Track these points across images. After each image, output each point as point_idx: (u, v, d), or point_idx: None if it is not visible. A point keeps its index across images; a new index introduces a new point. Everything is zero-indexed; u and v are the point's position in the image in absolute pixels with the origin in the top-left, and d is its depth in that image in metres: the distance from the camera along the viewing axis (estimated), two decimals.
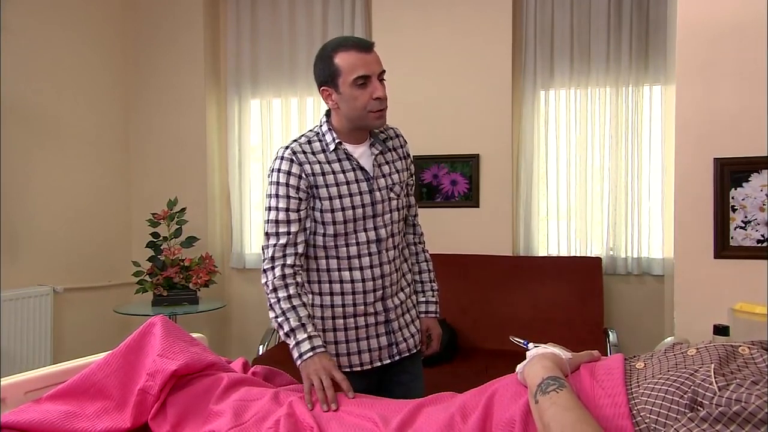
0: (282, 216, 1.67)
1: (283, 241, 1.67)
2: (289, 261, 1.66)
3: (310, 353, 1.57)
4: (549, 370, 1.13)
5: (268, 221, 1.69)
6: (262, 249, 1.71)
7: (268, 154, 4.04)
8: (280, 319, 1.62)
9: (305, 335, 1.60)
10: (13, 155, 3.32)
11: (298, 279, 1.67)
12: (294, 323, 1.61)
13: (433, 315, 1.96)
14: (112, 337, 3.36)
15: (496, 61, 3.62)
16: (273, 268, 1.66)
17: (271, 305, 1.65)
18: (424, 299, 1.96)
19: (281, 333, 1.63)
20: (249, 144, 4.14)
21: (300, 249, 1.69)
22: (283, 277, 1.65)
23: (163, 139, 4.11)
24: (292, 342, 1.61)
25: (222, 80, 4.18)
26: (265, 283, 1.67)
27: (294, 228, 1.68)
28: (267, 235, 1.69)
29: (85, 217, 3.79)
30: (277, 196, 1.68)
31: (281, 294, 1.64)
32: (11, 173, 3.32)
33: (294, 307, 1.62)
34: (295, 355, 1.60)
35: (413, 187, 1.94)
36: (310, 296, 1.76)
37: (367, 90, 1.65)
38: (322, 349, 1.60)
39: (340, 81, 1.65)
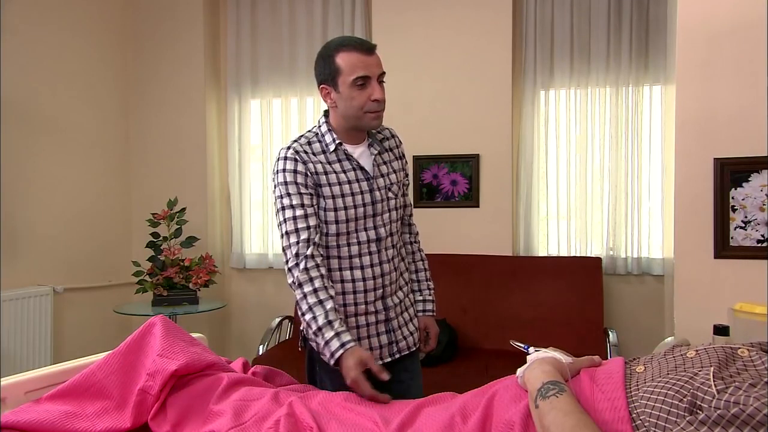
0: (299, 212, 1.66)
1: (304, 236, 1.66)
2: (310, 252, 1.65)
3: (341, 351, 1.56)
4: (549, 375, 1.13)
5: (285, 221, 1.67)
6: (284, 250, 1.69)
7: (268, 154, 4.04)
8: (307, 317, 1.61)
9: (332, 332, 1.58)
10: (13, 155, 3.32)
11: (322, 270, 1.65)
12: (321, 321, 1.59)
13: (431, 313, 1.96)
14: (112, 337, 3.36)
15: (496, 61, 3.62)
16: (297, 264, 1.64)
17: (298, 302, 1.64)
18: (421, 298, 1.96)
19: (310, 332, 1.62)
20: (249, 144, 4.14)
21: (318, 240, 1.68)
22: (307, 269, 1.63)
23: (163, 139, 4.11)
24: (321, 342, 1.59)
25: (222, 80, 4.18)
26: (292, 282, 1.65)
27: (312, 222, 1.67)
28: (287, 234, 1.67)
29: (85, 217, 3.79)
30: (288, 194, 1.67)
31: (307, 288, 1.62)
32: (11, 173, 3.32)
33: (321, 302, 1.61)
34: (327, 355, 1.58)
35: (408, 187, 1.95)
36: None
37: (365, 91, 1.66)
38: (352, 344, 1.58)
39: (340, 80, 1.66)
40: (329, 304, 1.61)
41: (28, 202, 3.43)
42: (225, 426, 1.38)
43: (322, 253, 1.69)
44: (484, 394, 1.28)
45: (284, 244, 1.69)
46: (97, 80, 3.90)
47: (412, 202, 2.02)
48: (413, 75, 3.71)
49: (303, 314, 1.62)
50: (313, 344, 1.65)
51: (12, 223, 3.32)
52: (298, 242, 1.65)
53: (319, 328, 1.59)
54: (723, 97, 2.29)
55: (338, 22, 3.92)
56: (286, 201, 1.68)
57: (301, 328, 1.72)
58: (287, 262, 1.67)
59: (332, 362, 1.57)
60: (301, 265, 1.63)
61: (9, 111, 3.29)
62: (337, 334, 1.58)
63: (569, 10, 3.60)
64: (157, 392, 1.48)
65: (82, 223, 3.77)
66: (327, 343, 1.58)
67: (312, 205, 1.68)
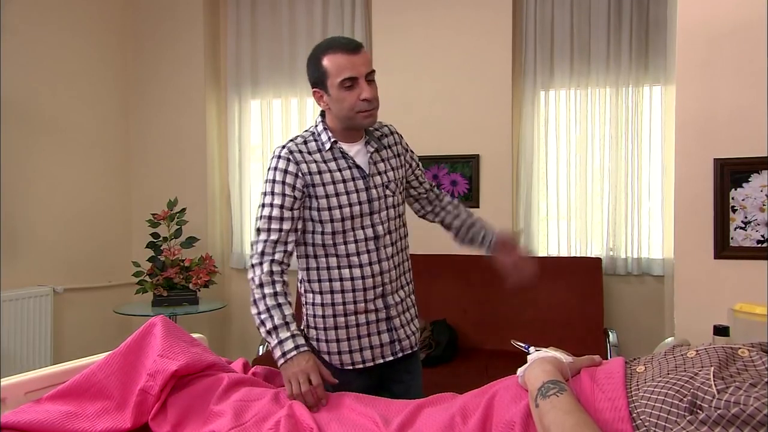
0: (276, 213, 1.68)
1: (274, 237, 1.68)
2: (278, 257, 1.67)
3: (294, 352, 1.58)
4: (550, 374, 1.14)
5: (261, 217, 1.70)
6: (252, 244, 1.72)
7: (268, 154, 4.00)
8: (263, 316, 1.63)
9: (288, 334, 1.60)
10: (13, 155, 3.32)
11: (285, 278, 1.68)
12: (278, 321, 1.61)
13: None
14: (112, 338, 3.36)
15: (496, 61, 3.62)
16: (261, 263, 1.67)
17: (255, 301, 1.66)
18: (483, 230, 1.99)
19: (262, 330, 1.63)
20: (249, 144, 4.14)
21: (290, 248, 1.70)
22: (271, 273, 1.65)
23: (163, 139, 4.11)
24: (274, 340, 1.60)
25: (222, 80, 4.18)
26: (252, 278, 1.68)
27: (286, 226, 1.69)
28: (258, 230, 1.71)
29: (85, 217, 3.79)
30: (272, 193, 1.70)
31: (267, 290, 1.64)
32: (11, 173, 3.32)
33: (279, 305, 1.63)
34: (278, 353, 1.59)
35: (423, 173, 1.99)
36: (311, 295, 1.78)
37: (354, 91, 1.66)
38: (305, 348, 1.60)
39: (329, 83, 1.67)
40: (288, 310, 1.63)
41: (28, 202, 3.43)
42: (225, 426, 1.38)
43: (288, 262, 1.71)
44: (484, 395, 1.28)
45: (253, 239, 1.72)
46: (97, 80, 3.90)
47: (430, 183, 2.05)
48: (413, 75, 3.71)
49: (259, 313, 1.63)
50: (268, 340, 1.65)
51: (12, 223, 3.32)
52: (266, 241, 1.68)
53: (275, 327, 1.60)
54: (723, 97, 2.29)
55: (338, 22, 3.92)
56: (267, 199, 1.70)
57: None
58: (252, 257, 1.70)
59: (282, 361, 1.58)
60: (265, 267, 1.66)
61: (9, 111, 3.29)
62: (293, 336, 1.60)
63: (569, 10, 3.60)
64: (157, 392, 1.48)
65: (82, 223, 3.77)
66: (281, 342, 1.59)
67: (292, 209, 1.69)
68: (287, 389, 1.54)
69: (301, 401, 1.49)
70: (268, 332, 1.61)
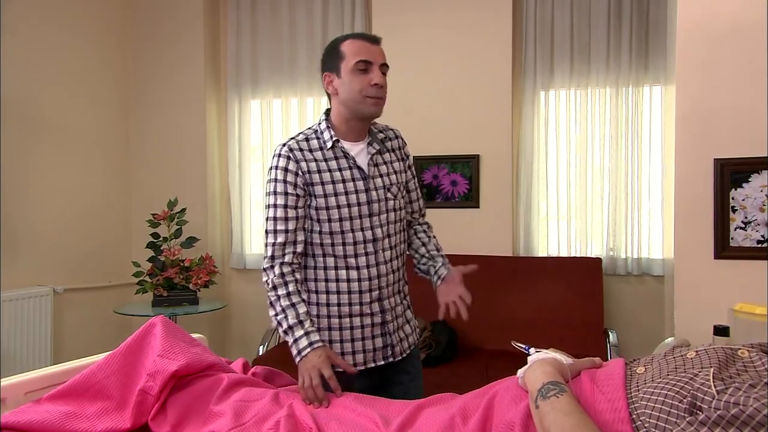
0: (280, 213, 1.69)
1: (281, 239, 1.69)
2: (288, 259, 1.69)
3: (308, 349, 1.60)
4: (550, 375, 1.14)
5: (267, 219, 1.72)
6: (265, 246, 1.73)
7: (268, 154, 4.04)
8: (279, 317, 1.65)
9: (302, 332, 1.62)
10: (13, 155, 3.32)
11: (297, 276, 1.70)
12: (292, 320, 1.63)
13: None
14: (112, 338, 3.36)
15: (496, 61, 3.62)
16: (272, 267, 1.69)
17: (271, 303, 1.68)
18: (441, 263, 1.87)
19: (280, 330, 1.66)
20: (249, 144, 4.14)
21: (299, 248, 1.71)
22: (282, 275, 1.67)
23: (163, 139, 4.11)
24: (290, 339, 1.63)
25: (222, 80, 4.18)
26: (266, 281, 1.70)
27: (291, 225, 1.70)
28: (266, 232, 1.72)
29: (85, 217, 3.79)
30: (275, 193, 1.71)
31: (281, 291, 1.66)
32: (11, 173, 3.32)
33: (293, 305, 1.65)
34: (294, 352, 1.62)
35: (414, 187, 1.94)
36: (306, 294, 1.77)
37: (366, 76, 1.69)
38: (320, 344, 1.62)
39: (342, 65, 1.70)
40: (302, 308, 1.66)
41: (28, 202, 3.43)
42: (225, 426, 1.38)
43: (299, 260, 1.73)
44: (484, 395, 1.28)
45: (264, 241, 1.74)
46: (97, 80, 3.90)
47: (421, 204, 1.98)
48: (413, 75, 3.71)
49: (276, 314, 1.67)
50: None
51: (12, 223, 3.32)
52: (274, 244, 1.70)
53: (290, 327, 1.64)
54: (723, 98, 2.29)
55: (338, 22, 3.92)
56: (271, 199, 1.72)
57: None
58: (264, 260, 1.72)
59: (298, 359, 1.61)
60: (276, 270, 1.68)
61: (9, 111, 3.29)
62: (306, 334, 1.63)
63: (569, 10, 3.60)
64: (157, 393, 1.48)
65: (82, 223, 3.77)
66: (296, 340, 1.63)
67: (296, 207, 1.70)
68: (299, 382, 1.57)
69: (311, 395, 1.52)
70: (285, 332, 1.65)
